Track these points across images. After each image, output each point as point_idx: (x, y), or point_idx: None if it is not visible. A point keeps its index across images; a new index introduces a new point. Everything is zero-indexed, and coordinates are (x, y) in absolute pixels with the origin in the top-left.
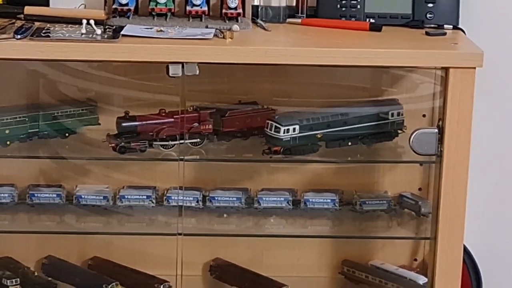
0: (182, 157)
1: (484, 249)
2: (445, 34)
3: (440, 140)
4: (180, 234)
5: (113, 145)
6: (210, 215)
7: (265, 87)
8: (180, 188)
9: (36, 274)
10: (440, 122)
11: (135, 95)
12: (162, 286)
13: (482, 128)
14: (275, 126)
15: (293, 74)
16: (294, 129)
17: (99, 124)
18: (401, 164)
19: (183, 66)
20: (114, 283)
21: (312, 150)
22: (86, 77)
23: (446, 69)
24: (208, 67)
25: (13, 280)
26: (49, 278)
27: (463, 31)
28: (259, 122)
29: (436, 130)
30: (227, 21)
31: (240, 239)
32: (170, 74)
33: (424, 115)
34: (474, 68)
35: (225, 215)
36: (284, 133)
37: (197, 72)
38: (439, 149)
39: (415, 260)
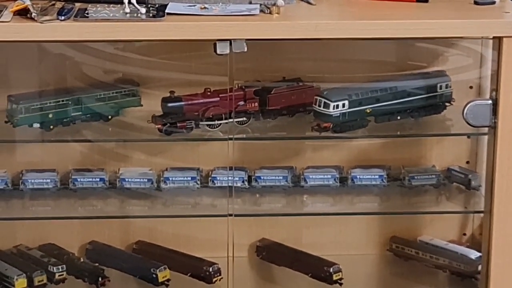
0: (231, 137)
1: None
2: (494, 2)
3: (494, 111)
4: (231, 215)
5: (159, 126)
6: (256, 194)
7: (307, 63)
8: (230, 168)
9: (82, 260)
10: (494, 93)
11: (176, 76)
12: (211, 269)
13: None
14: (324, 102)
15: (333, 50)
16: (343, 104)
17: (142, 105)
18: (449, 137)
19: (230, 44)
20: (162, 267)
21: (362, 126)
22: (126, 58)
23: (499, 39)
24: (250, 45)
25: (59, 267)
26: (95, 264)
27: None
28: (305, 98)
29: (490, 101)
30: None
31: (286, 218)
32: (218, 52)
33: (471, 87)
34: None
35: (257, 195)
36: (333, 109)
37: (245, 49)
38: (493, 120)
39: (464, 234)
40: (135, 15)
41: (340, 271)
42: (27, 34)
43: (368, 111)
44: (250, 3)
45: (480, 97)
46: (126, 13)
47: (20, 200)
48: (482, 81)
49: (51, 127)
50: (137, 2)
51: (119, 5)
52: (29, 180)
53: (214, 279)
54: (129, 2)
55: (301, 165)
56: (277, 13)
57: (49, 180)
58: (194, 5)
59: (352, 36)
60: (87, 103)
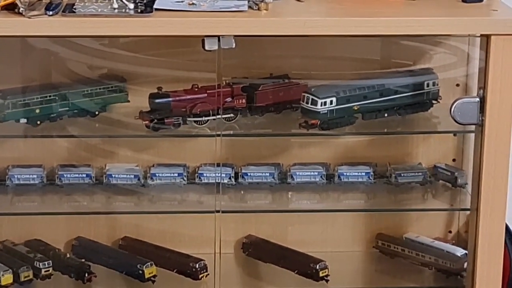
0: (218, 133)
1: None
2: (482, 0)
3: (481, 109)
4: (218, 211)
5: (146, 122)
6: (242, 191)
7: (295, 60)
8: (218, 164)
9: (68, 256)
10: (481, 91)
11: (164, 72)
12: (197, 265)
13: None
14: (312, 99)
15: (321, 47)
16: (331, 101)
17: (129, 101)
18: (435, 134)
19: (219, 40)
20: (148, 263)
21: (349, 123)
22: (113, 54)
23: (487, 37)
24: (238, 41)
25: (46, 263)
26: (81, 260)
27: None
28: (292, 95)
29: (478, 99)
30: None
31: (273, 214)
32: (206, 48)
33: (457, 85)
34: None
35: (241, 192)
36: (321, 105)
37: (234, 46)
38: (480, 118)
39: (450, 232)
40: (123, 10)
41: (326, 268)
42: (14, 29)
43: (356, 108)
44: None
45: (467, 95)
46: (114, 8)
47: (6, 196)
48: (468, 79)
49: (38, 122)
50: None
51: (107, 0)
52: (15, 176)
53: (200, 276)
54: None
55: (288, 162)
56: (266, 10)
57: (35, 176)
58: (182, 1)
59: (341, 33)
60: (74, 99)
